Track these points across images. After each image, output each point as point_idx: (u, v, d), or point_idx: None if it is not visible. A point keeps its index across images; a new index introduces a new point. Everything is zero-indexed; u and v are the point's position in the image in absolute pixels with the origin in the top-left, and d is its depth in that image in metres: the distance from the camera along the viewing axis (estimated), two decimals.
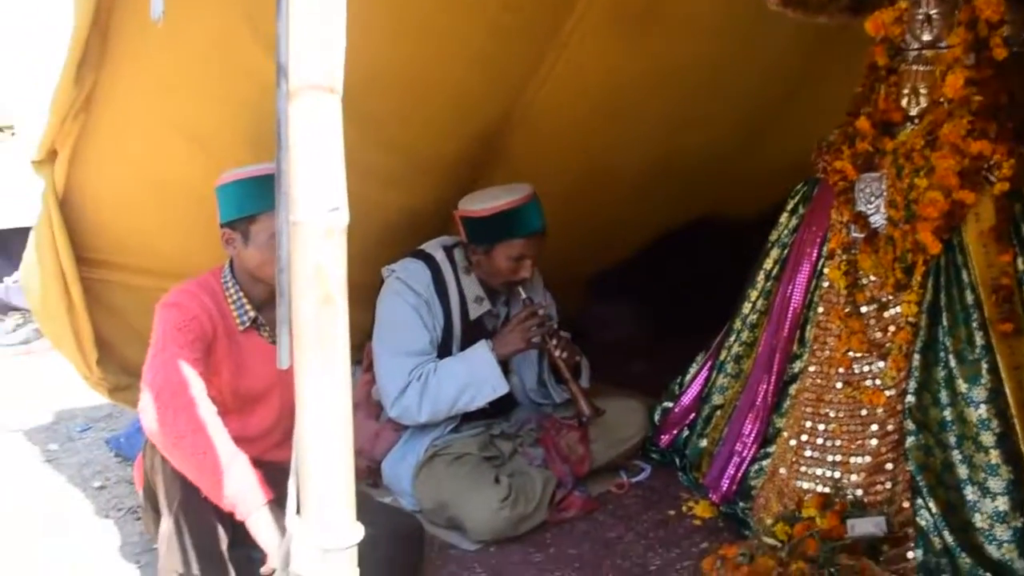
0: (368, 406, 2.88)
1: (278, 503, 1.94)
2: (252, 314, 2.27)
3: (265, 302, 2.27)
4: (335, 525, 1.22)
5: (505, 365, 2.79)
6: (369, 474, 2.84)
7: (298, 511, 1.26)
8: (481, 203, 2.74)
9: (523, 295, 2.81)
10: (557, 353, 2.77)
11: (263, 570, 1.95)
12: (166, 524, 2.03)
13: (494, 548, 2.54)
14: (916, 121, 2.48)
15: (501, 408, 2.90)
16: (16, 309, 4.71)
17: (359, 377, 2.94)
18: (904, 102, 2.50)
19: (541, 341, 2.78)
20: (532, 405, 3.02)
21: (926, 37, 2.46)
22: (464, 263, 2.84)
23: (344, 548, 1.22)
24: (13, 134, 4.61)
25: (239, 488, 1.95)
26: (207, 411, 1.98)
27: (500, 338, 2.77)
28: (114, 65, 2.19)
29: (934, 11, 2.44)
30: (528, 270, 2.75)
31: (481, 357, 2.71)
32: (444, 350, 2.79)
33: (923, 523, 2.27)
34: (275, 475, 2.04)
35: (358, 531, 1.24)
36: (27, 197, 3.97)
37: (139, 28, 2.09)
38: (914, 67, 2.49)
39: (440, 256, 2.84)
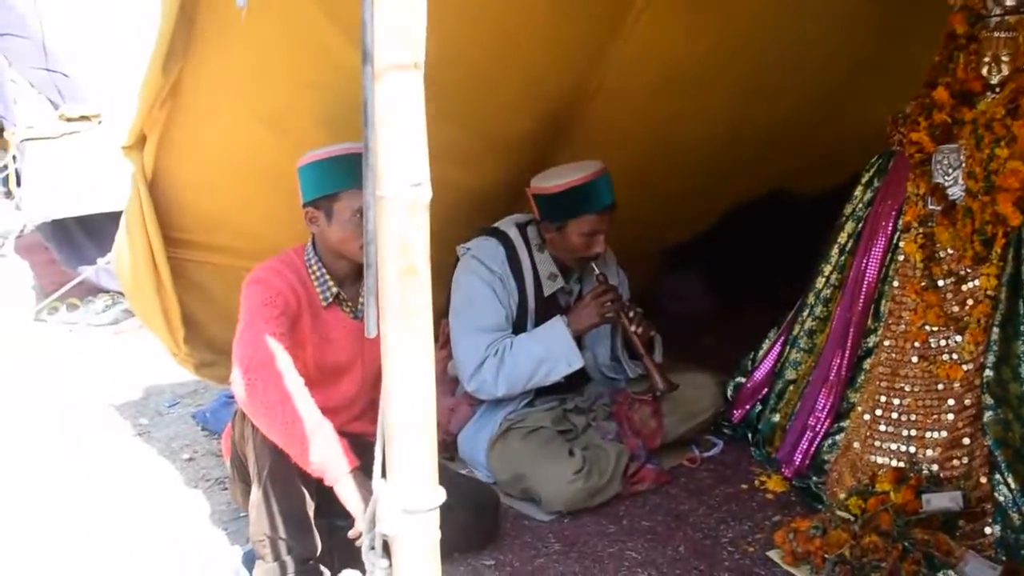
0: (444, 381, 2.95)
1: (363, 471, 2.02)
2: (335, 290, 2.35)
3: (347, 278, 2.36)
4: (419, 488, 1.26)
5: (579, 340, 2.82)
6: (445, 448, 2.91)
7: (383, 475, 1.31)
8: (553, 180, 2.78)
9: (596, 271, 2.83)
10: (632, 328, 2.79)
11: (351, 533, 2.03)
12: (256, 491, 2.13)
13: (568, 519, 2.59)
14: (997, 90, 2.43)
15: (575, 383, 2.94)
16: (106, 291, 4.90)
17: (435, 353, 3.01)
18: (984, 71, 2.45)
19: (615, 316, 2.80)
20: (605, 380, 3.06)
21: (1009, 2, 2.40)
22: (537, 240, 2.89)
23: (427, 510, 1.27)
24: (100, 123, 4.78)
25: (326, 455, 2.04)
26: (294, 382, 2.07)
27: (575, 313, 2.80)
28: (199, 54, 2.27)
29: None
30: (601, 245, 2.78)
31: (557, 332, 2.75)
32: (519, 326, 2.84)
33: (1001, 498, 2.26)
34: (357, 446, 2.13)
35: (440, 494, 1.29)
36: (114, 183, 4.17)
37: (223, 18, 2.16)
38: (996, 34, 2.43)
39: (514, 233, 2.89)
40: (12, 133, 4.85)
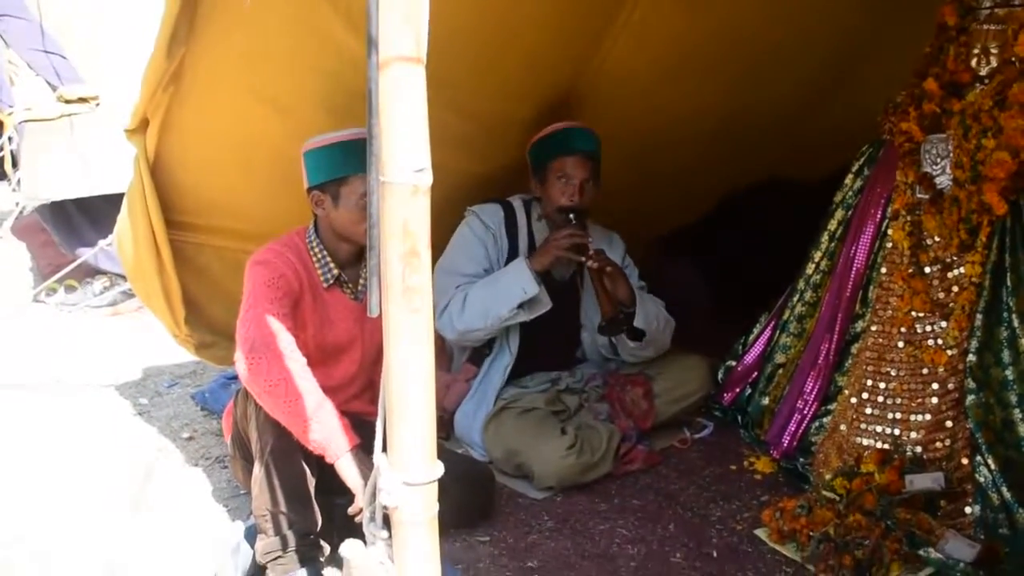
0: (441, 357, 3.03)
1: (363, 449, 2.08)
2: (336, 272, 2.41)
3: (348, 261, 2.41)
4: (418, 461, 1.32)
5: (574, 321, 2.89)
6: (441, 426, 2.97)
7: (384, 449, 1.37)
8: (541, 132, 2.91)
9: (573, 220, 2.85)
10: (588, 263, 2.79)
11: (351, 510, 2.10)
12: (258, 468, 2.19)
13: (560, 497, 2.66)
14: (986, 81, 2.48)
15: (567, 362, 3.02)
16: (104, 273, 4.93)
17: None
18: (974, 62, 2.51)
19: (575, 252, 2.80)
20: (599, 362, 3.12)
21: None
22: (539, 212, 2.98)
23: (426, 483, 1.33)
24: (98, 104, 4.80)
25: (327, 433, 2.10)
26: (296, 361, 2.13)
27: (536, 251, 2.87)
28: (202, 39, 2.30)
29: None
30: (575, 194, 2.83)
31: (515, 266, 2.82)
32: None
33: (981, 479, 2.33)
34: (356, 425, 2.18)
35: (439, 467, 1.34)
36: (113, 165, 4.19)
37: (226, 5, 2.20)
38: (985, 26, 2.49)
39: (517, 204, 3.01)
40: (8, 115, 4.86)
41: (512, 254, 2.94)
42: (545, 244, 2.84)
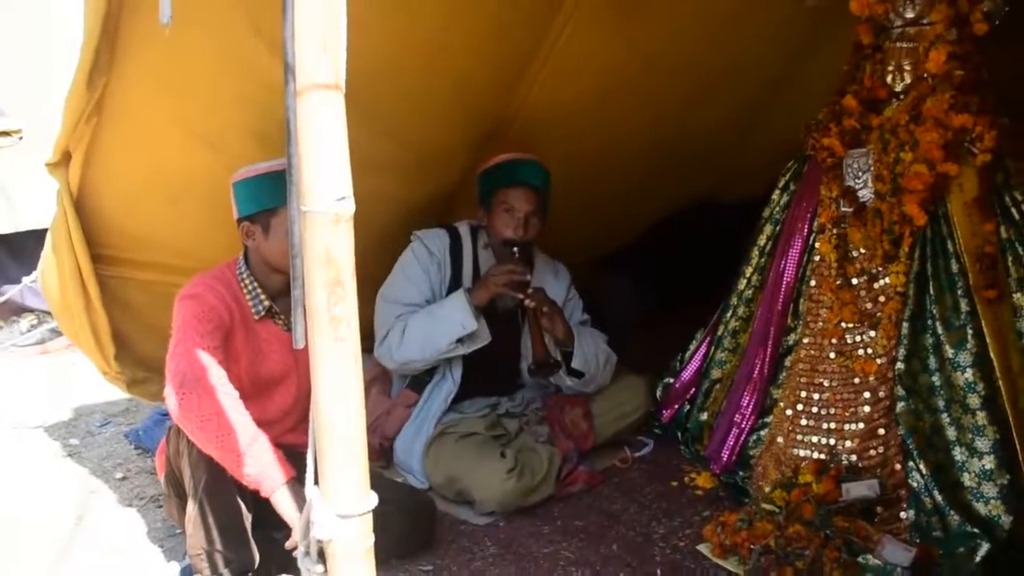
0: (383, 382, 3.03)
1: (299, 481, 2.05)
2: (267, 303, 2.37)
3: (279, 292, 2.38)
4: (351, 493, 1.30)
5: (515, 350, 2.92)
6: (381, 454, 2.95)
7: (316, 481, 1.35)
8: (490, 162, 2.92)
9: (516, 254, 2.85)
10: (526, 302, 2.79)
11: (287, 544, 2.06)
12: (192, 506, 2.14)
13: (503, 523, 2.65)
14: (901, 97, 2.57)
15: (507, 388, 3.02)
16: (31, 310, 4.80)
17: (373, 357, 3.06)
18: (889, 79, 2.59)
19: (512, 288, 2.79)
20: (538, 387, 3.12)
21: (909, 14, 2.54)
22: (485, 240, 2.97)
23: (360, 514, 1.32)
24: (21, 138, 4.70)
25: (261, 466, 2.06)
26: (228, 395, 2.09)
27: (475, 285, 2.86)
28: (124, 69, 2.27)
29: None
30: (519, 227, 2.83)
31: (455, 298, 2.81)
32: None
33: (914, 484, 2.38)
34: (292, 457, 2.15)
35: (372, 498, 1.33)
36: (37, 200, 4.09)
37: (147, 33, 2.17)
38: (898, 44, 2.58)
39: (464, 230, 3.00)
40: None
41: (455, 281, 2.92)
42: (484, 279, 2.83)
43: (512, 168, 2.89)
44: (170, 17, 1.56)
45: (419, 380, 2.98)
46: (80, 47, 2.19)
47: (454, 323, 2.75)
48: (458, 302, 2.78)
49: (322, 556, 1.35)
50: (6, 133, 4.66)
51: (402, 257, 2.94)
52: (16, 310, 4.84)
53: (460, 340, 2.77)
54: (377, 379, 3.06)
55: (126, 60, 2.25)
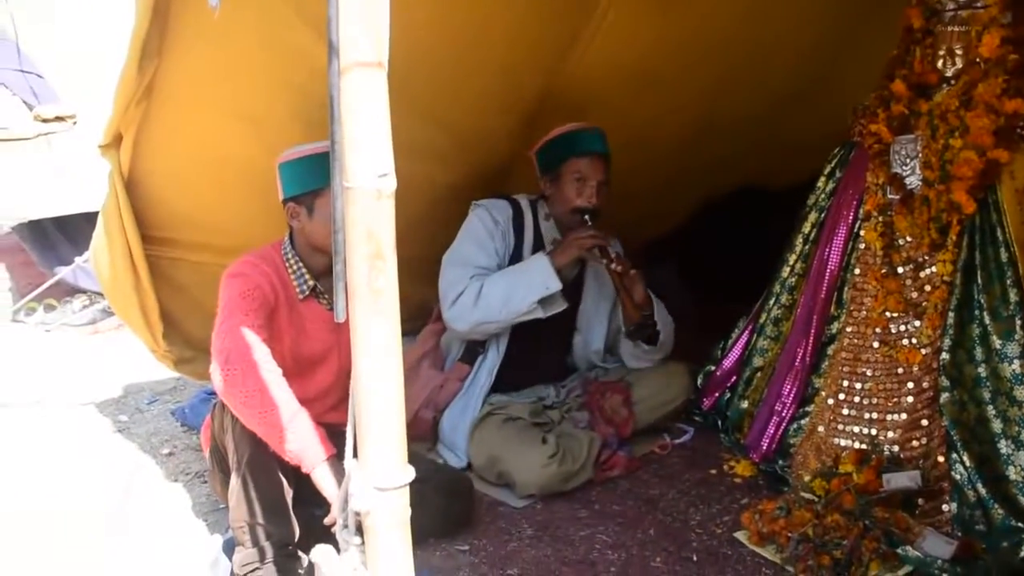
0: (435, 356, 3.07)
1: (339, 459, 2.09)
2: (311, 283, 2.42)
3: (323, 272, 2.42)
4: (388, 465, 1.33)
5: (573, 321, 2.96)
6: (432, 429, 2.99)
7: (355, 455, 1.38)
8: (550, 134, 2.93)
9: (588, 222, 2.89)
10: (612, 266, 2.85)
11: (326, 520, 2.09)
12: (235, 480, 2.19)
13: (540, 505, 2.67)
14: (952, 82, 2.53)
15: (557, 368, 3.09)
16: (83, 291, 4.92)
17: (428, 328, 3.15)
18: (940, 63, 2.55)
19: (597, 253, 2.87)
20: (583, 370, 3.16)
21: None
22: (545, 211, 3.01)
23: (397, 487, 1.34)
24: (74, 123, 4.81)
25: (303, 443, 2.10)
26: (271, 372, 2.13)
27: (557, 248, 2.88)
28: (173, 53, 2.32)
29: None
30: (592, 196, 2.87)
31: (536, 260, 2.84)
32: None
33: (957, 476, 2.35)
34: (333, 435, 2.19)
35: (409, 472, 1.35)
36: (90, 184, 4.19)
37: (196, 18, 2.22)
38: (950, 28, 2.53)
39: (524, 203, 3.02)
40: None
41: (517, 252, 2.95)
42: (565, 242, 2.86)
43: (581, 138, 2.91)
44: (218, 1, 1.61)
45: (472, 353, 3.01)
46: (131, 32, 2.24)
47: (536, 283, 2.78)
48: (541, 262, 2.81)
49: (360, 529, 1.38)
50: (60, 118, 4.77)
51: (467, 224, 2.96)
52: (69, 291, 4.96)
53: (539, 302, 2.80)
54: (428, 354, 3.11)
55: (175, 45, 2.30)
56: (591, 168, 2.88)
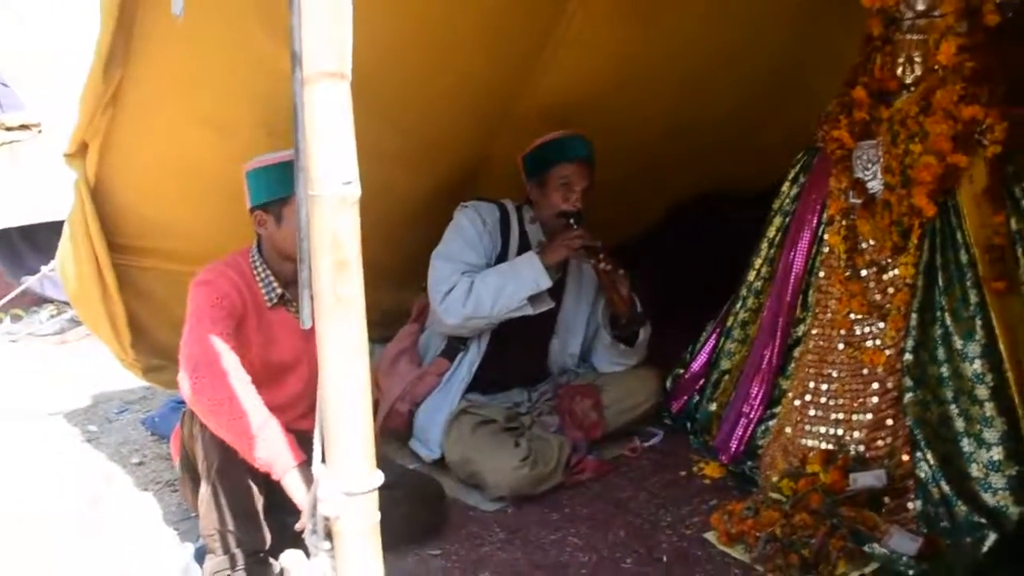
0: (413, 353, 3.12)
1: (310, 465, 2.09)
2: (279, 291, 2.43)
3: (291, 280, 2.43)
4: (356, 470, 1.34)
5: (551, 325, 3.03)
6: (406, 423, 3.02)
7: (323, 460, 1.39)
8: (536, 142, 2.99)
9: (574, 225, 2.94)
10: (601, 265, 2.92)
11: (297, 526, 2.10)
12: (205, 488, 2.19)
13: (511, 509, 2.69)
14: (911, 89, 2.57)
15: (535, 370, 3.14)
16: (50, 300, 4.88)
17: (407, 327, 3.21)
18: (899, 71, 2.59)
19: (586, 253, 2.93)
20: (557, 376, 3.19)
21: (920, 7, 2.54)
22: (530, 214, 3.06)
23: (365, 492, 1.35)
24: (40, 132, 4.76)
25: (272, 450, 2.10)
26: (240, 380, 2.14)
27: (546, 247, 2.94)
28: (139, 61, 2.32)
29: None
30: (577, 200, 2.94)
31: (527, 258, 2.90)
32: None
33: (922, 475, 2.38)
34: (303, 443, 2.19)
35: (378, 476, 1.36)
36: (56, 193, 4.16)
37: (161, 26, 2.22)
38: (908, 36, 2.57)
39: (510, 206, 3.07)
40: None
41: (503, 254, 3.00)
42: (554, 242, 2.92)
43: (568, 145, 2.97)
44: (182, 9, 1.61)
45: (452, 349, 3.05)
46: (96, 40, 2.24)
47: (527, 280, 2.84)
48: (531, 260, 2.87)
49: (329, 534, 1.39)
50: (25, 126, 4.72)
51: (456, 223, 3.00)
52: (36, 300, 4.91)
53: (528, 299, 2.85)
54: (406, 351, 3.15)
55: (141, 53, 2.31)
56: (577, 174, 2.94)
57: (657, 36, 3.01)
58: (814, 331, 2.71)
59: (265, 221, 2.38)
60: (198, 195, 2.76)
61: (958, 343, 2.42)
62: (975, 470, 2.33)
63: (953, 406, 2.40)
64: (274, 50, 2.34)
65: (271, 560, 2.24)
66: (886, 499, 2.42)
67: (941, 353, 2.45)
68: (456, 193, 3.14)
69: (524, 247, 3.01)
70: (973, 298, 2.41)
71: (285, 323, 2.44)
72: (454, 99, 2.88)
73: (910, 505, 2.39)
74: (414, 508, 2.40)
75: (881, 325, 2.56)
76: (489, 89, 2.97)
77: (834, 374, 2.63)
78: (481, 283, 2.85)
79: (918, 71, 2.56)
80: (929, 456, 2.38)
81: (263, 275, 2.41)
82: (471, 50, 2.71)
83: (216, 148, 2.61)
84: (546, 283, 2.85)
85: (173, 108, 2.51)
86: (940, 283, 2.48)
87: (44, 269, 4.48)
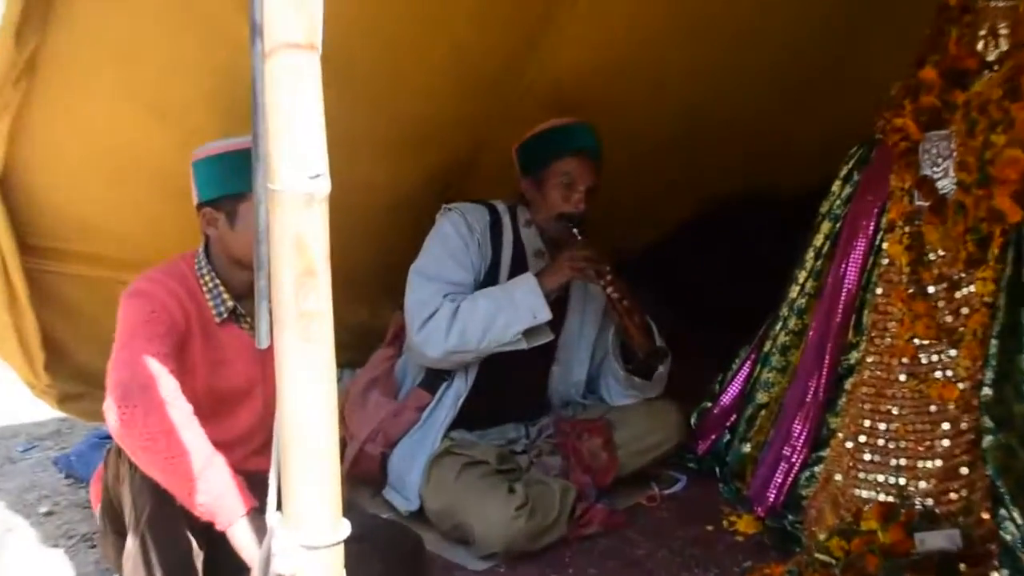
0: (387, 383, 3.13)
1: (262, 512, 2.10)
2: (230, 304, 2.43)
3: (245, 291, 2.43)
4: (319, 520, 1.35)
5: (552, 350, 3.03)
6: (380, 467, 3.03)
7: (278, 507, 1.41)
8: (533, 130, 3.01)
9: (579, 237, 2.97)
10: (609, 290, 2.94)
11: None
12: (132, 541, 2.18)
13: (504, 568, 2.70)
14: (994, 68, 2.57)
15: (532, 411, 3.15)
16: None
17: (381, 352, 3.20)
18: (980, 46, 2.59)
19: (590, 274, 2.95)
20: (560, 408, 3.21)
21: None
22: (526, 217, 3.08)
23: (329, 545, 1.37)
24: None
25: (217, 494, 2.10)
26: (180, 410, 2.13)
27: (547, 268, 2.96)
28: (63, 26, 2.31)
29: None
30: (580, 201, 2.95)
31: (523, 282, 2.90)
32: None
33: (1007, 537, 2.36)
34: (255, 485, 2.20)
35: (344, 527, 1.37)
36: None
37: None
38: (992, 3, 2.57)
39: (502, 208, 3.10)
40: None
41: (494, 265, 3.02)
42: (557, 263, 2.94)
43: (571, 134, 3.00)
44: None
45: (434, 379, 3.06)
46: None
47: (523, 310, 2.85)
48: (528, 285, 2.88)
49: None
50: None
51: (438, 231, 3.02)
52: None
53: (523, 333, 2.86)
54: (379, 380, 3.15)
55: (65, 17, 2.29)
56: (581, 170, 2.96)
57: (677, 9, 3.03)
58: (870, 359, 2.72)
59: (215, 220, 2.39)
60: (133, 188, 2.76)
61: None
62: None
63: None
64: (231, 15, 2.36)
65: None
66: (962, 566, 2.40)
67: None
68: (445, 191, 3.17)
69: (519, 255, 3.03)
70: None
71: (237, 343, 2.45)
72: (445, 76, 2.89)
73: (993, 574, 2.38)
74: (387, 565, 2.39)
75: (953, 353, 2.56)
76: (485, 65, 2.98)
77: (895, 411, 2.64)
78: (468, 310, 2.85)
79: (1004, 46, 2.56)
80: (1015, 514, 2.36)
81: (211, 285, 2.42)
82: (465, 24, 2.73)
83: (156, 133, 2.62)
84: (544, 315, 2.86)
85: (105, 84, 2.51)
86: None
87: None
